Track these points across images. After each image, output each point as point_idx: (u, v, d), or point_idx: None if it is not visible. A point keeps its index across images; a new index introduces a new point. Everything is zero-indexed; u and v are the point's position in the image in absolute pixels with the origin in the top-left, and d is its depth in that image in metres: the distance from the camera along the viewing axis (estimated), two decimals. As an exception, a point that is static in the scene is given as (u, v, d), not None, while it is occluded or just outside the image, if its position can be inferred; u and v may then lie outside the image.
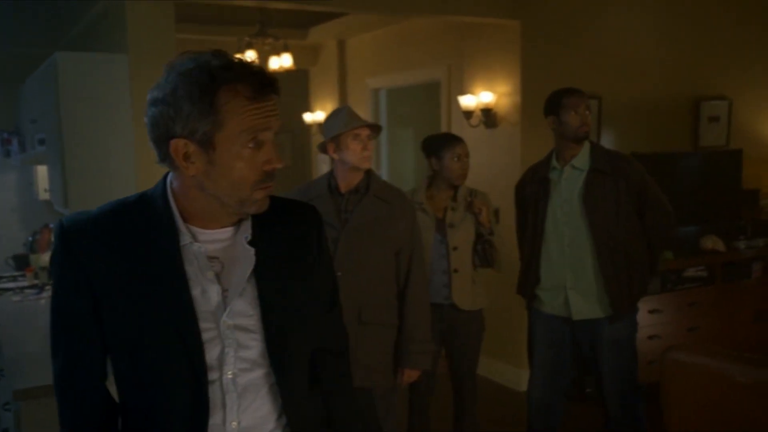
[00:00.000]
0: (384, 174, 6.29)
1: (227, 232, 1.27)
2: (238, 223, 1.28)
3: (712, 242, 4.68)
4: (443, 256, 3.04)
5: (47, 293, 3.83)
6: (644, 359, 3.39)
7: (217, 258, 1.26)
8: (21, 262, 4.48)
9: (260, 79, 1.17)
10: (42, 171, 4.27)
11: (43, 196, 4.30)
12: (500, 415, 4.17)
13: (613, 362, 3.00)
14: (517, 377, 4.59)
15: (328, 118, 2.62)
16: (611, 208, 2.88)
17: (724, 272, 4.65)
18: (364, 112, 6.26)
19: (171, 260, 1.23)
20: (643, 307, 3.60)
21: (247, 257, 1.26)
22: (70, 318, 1.28)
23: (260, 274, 1.27)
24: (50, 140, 3.57)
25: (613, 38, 4.80)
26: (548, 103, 3.04)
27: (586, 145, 2.97)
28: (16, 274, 4.39)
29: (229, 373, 1.26)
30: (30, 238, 4.61)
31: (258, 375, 1.28)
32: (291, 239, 1.34)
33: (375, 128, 2.59)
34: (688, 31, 5.11)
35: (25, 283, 4.06)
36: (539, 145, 4.51)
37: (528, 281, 3.07)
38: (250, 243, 1.26)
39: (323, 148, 2.59)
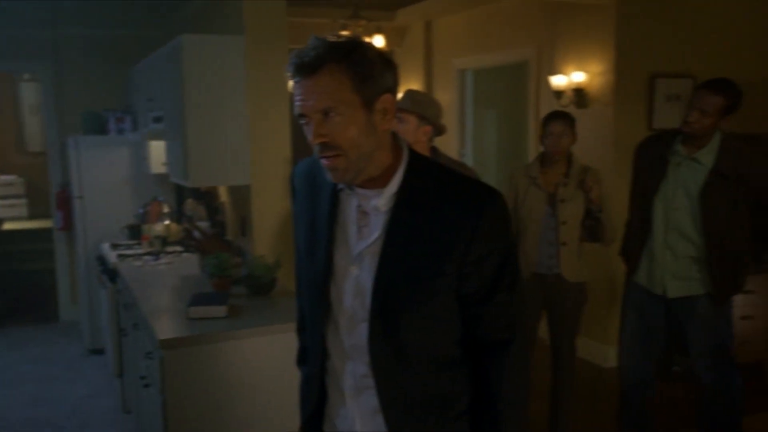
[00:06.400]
0: (468, 153, 6.40)
1: (378, 192, 1.38)
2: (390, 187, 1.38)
3: (809, 224, 4.59)
4: (552, 229, 3.16)
5: (163, 259, 4.13)
6: (737, 340, 3.41)
7: (368, 214, 1.39)
8: (134, 232, 4.82)
9: (296, 62, 1.29)
10: (155, 146, 4.56)
11: (157, 170, 4.60)
12: (586, 390, 4.25)
13: (706, 337, 3.05)
14: (604, 353, 4.66)
15: None
16: (728, 213, 2.91)
17: (822, 254, 4.57)
18: (451, 93, 6.38)
19: (327, 205, 1.44)
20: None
21: (377, 221, 1.38)
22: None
23: (388, 240, 1.36)
24: (170, 117, 3.84)
25: (707, 16, 4.75)
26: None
27: (716, 139, 2.94)
28: (131, 242, 4.73)
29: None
30: (141, 210, 4.94)
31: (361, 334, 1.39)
32: (437, 217, 1.34)
33: (403, 112, 2.67)
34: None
35: (142, 251, 4.38)
36: (632, 125, 4.56)
37: (632, 250, 3.15)
38: (396, 209, 1.36)
39: None
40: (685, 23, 4.68)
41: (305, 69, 1.29)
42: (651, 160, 3.07)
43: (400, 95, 2.68)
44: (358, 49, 1.31)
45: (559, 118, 3.22)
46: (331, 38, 1.31)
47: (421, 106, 2.72)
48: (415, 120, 2.67)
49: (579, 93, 4.74)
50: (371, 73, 1.31)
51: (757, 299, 4.35)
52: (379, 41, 5.57)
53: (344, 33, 5.37)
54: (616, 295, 4.40)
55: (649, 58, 4.61)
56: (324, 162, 1.33)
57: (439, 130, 2.76)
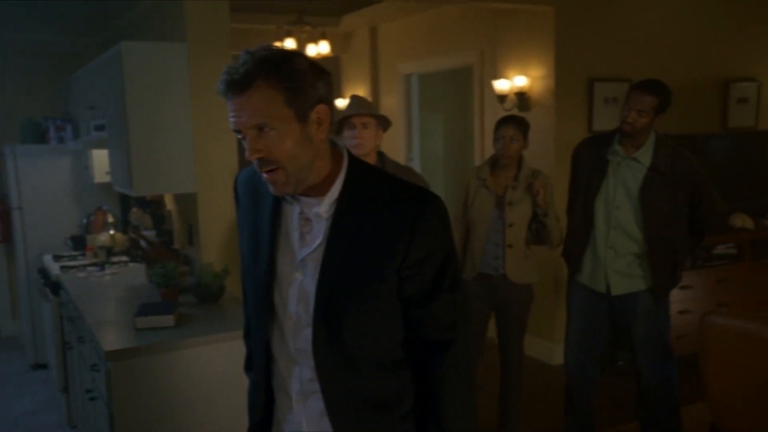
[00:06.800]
0: (415, 157, 6.47)
1: (319, 199, 1.39)
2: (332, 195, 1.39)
3: (741, 220, 4.81)
4: (499, 231, 3.23)
5: (109, 270, 4.05)
6: (675, 333, 3.54)
7: (310, 221, 1.41)
8: (78, 243, 4.71)
9: (227, 80, 1.29)
10: (98, 155, 4.48)
11: (100, 179, 4.52)
12: (534, 387, 4.35)
13: (649, 331, 3.16)
14: (550, 351, 4.77)
15: None
16: (667, 208, 3.03)
17: (753, 250, 4.78)
18: (397, 97, 6.43)
19: (270, 212, 1.45)
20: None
21: (319, 228, 1.39)
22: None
23: (330, 246, 1.37)
24: (113, 125, 3.77)
25: (643, 21, 4.94)
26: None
27: (652, 138, 3.06)
28: (75, 253, 4.63)
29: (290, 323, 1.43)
30: (84, 220, 4.84)
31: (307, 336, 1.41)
32: (377, 222, 1.36)
33: (366, 117, 2.66)
34: (718, 13, 5.23)
35: (86, 262, 4.29)
36: (573, 127, 4.69)
37: (574, 251, 3.24)
38: (337, 215, 1.38)
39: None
40: (620, 30, 4.84)
41: (235, 87, 1.28)
42: (591, 162, 3.17)
43: (345, 102, 2.68)
44: (287, 62, 1.29)
45: (511, 122, 3.27)
46: (261, 52, 1.30)
47: (372, 108, 2.75)
48: (375, 123, 2.70)
49: (521, 97, 4.85)
50: (302, 85, 1.30)
51: (694, 294, 4.52)
52: (324, 47, 5.59)
53: (289, 39, 5.37)
54: (562, 294, 4.50)
55: (587, 63, 4.76)
56: (264, 176, 1.34)
57: (386, 128, 2.78)
